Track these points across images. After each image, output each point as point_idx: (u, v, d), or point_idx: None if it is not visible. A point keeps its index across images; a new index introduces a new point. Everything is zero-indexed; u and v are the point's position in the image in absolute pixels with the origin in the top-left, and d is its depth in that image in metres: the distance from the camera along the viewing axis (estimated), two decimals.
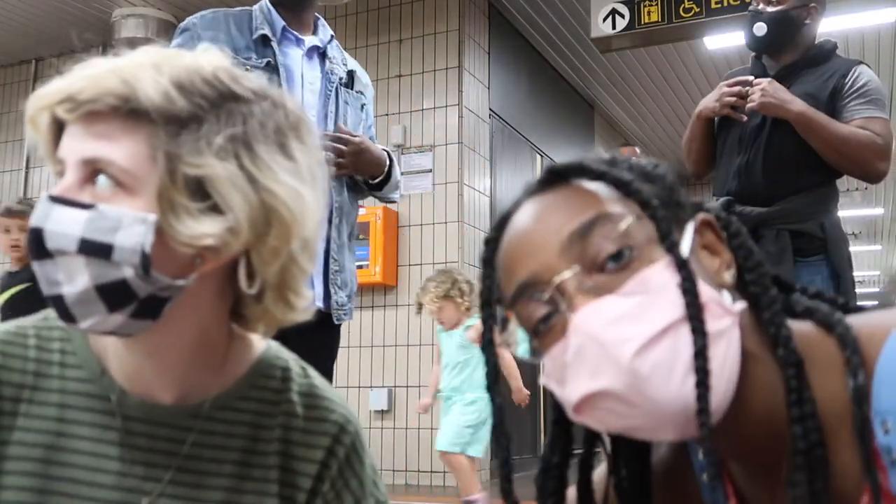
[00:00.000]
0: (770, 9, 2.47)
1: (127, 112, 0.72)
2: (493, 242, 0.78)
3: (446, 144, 5.52)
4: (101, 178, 0.72)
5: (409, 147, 5.61)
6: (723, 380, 0.67)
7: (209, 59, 0.79)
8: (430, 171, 5.53)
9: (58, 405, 0.80)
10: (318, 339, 2.07)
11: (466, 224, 5.48)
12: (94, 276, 0.71)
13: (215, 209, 0.73)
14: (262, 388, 0.87)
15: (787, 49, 2.51)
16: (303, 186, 0.78)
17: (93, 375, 0.82)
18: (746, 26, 2.52)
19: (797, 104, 2.35)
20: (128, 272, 0.71)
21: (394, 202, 2.48)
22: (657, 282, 0.68)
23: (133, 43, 5.74)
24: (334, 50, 2.19)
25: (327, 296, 2.09)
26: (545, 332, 0.72)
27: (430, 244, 5.46)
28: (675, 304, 0.67)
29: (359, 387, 5.42)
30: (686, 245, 0.71)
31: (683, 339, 0.66)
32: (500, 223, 0.78)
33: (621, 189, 0.73)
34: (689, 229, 0.73)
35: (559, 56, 7.15)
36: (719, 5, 5.06)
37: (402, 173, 5.48)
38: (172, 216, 0.72)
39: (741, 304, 0.71)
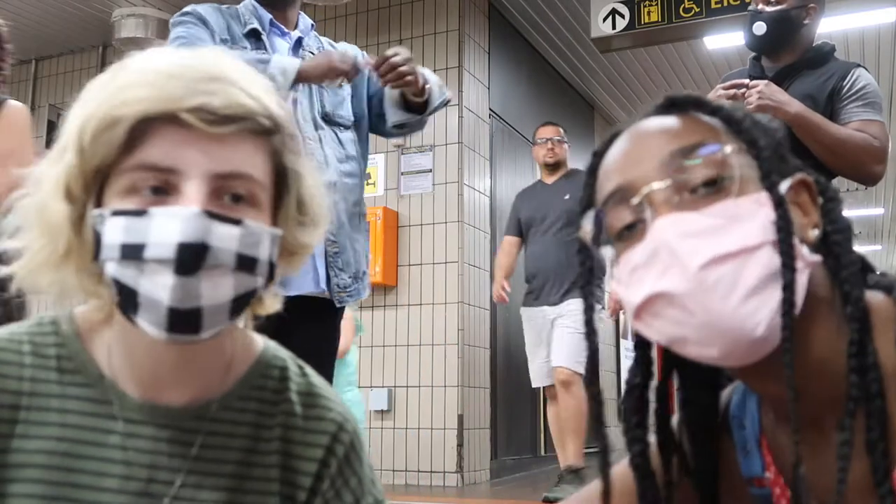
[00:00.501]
0: (769, 8, 2.48)
1: (254, 130, 0.75)
2: (599, 155, 0.82)
3: (446, 144, 5.52)
4: (235, 193, 0.74)
5: (409, 147, 5.61)
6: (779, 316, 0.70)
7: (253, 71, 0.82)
8: (430, 171, 5.53)
9: (58, 411, 0.79)
10: (319, 324, 2.06)
11: (466, 224, 5.48)
12: (237, 288, 0.74)
13: (313, 222, 0.82)
14: (262, 388, 0.87)
15: (786, 49, 2.51)
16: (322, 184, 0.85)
17: (92, 380, 0.81)
18: (746, 26, 2.53)
19: (794, 105, 2.35)
20: (260, 282, 0.77)
21: (447, 102, 2.29)
22: (743, 211, 0.71)
23: (133, 43, 5.76)
24: (311, 39, 2.23)
25: (329, 279, 2.06)
26: (627, 238, 0.76)
27: (430, 244, 5.46)
28: (751, 234, 0.70)
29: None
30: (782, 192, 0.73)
31: (751, 266, 0.70)
32: (611, 138, 0.82)
33: (733, 126, 0.76)
34: (787, 183, 0.75)
35: (559, 56, 7.15)
36: (719, 5, 5.06)
37: (402, 173, 5.53)
38: (287, 229, 0.80)
39: (816, 257, 0.74)
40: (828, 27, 5.54)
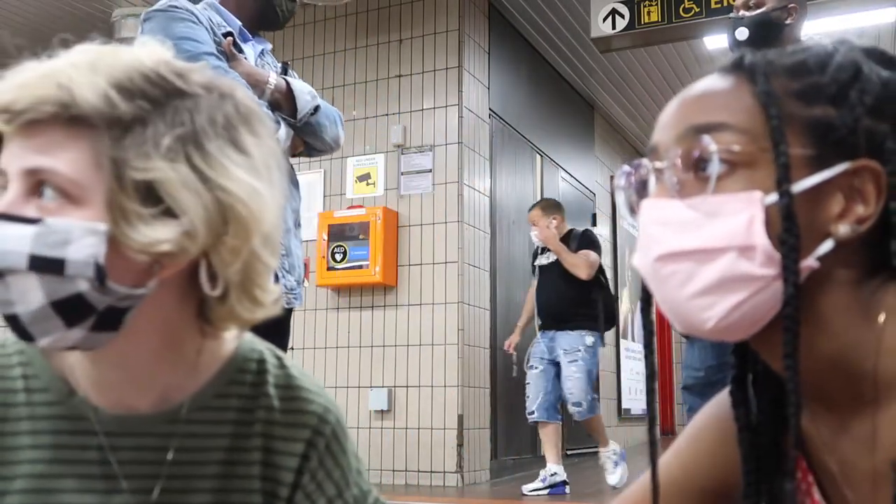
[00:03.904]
0: (749, 13, 2.52)
1: (67, 119, 0.70)
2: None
3: (446, 144, 5.52)
4: (47, 190, 0.70)
5: (409, 147, 5.61)
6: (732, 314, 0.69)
7: (150, 54, 0.76)
8: (430, 171, 5.53)
9: (29, 433, 0.78)
10: (268, 327, 2.07)
11: (466, 224, 5.48)
12: (49, 293, 0.69)
13: (168, 213, 0.71)
14: (240, 383, 0.85)
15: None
16: (258, 181, 0.75)
17: (61, 397, 0.79)
18: (728, 32, 2.56)
19: None
20: (83, 286, 0.69)
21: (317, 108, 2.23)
22: (726, 209, 0.69)
23: (133, 42, 5.74)
24: (268, 56, 2.28)
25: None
26: (639, 197, 0.77)
27: (429, 244, 5.45)
28: (719, 236, 0.69)
29: (359, 387, 5.42)
30: (812, 180, 0.69)
31: (709, 267, 0.69)
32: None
33: (770, 112, 0.70)
34: (841, 167, 0.69)
35: (559, 56, 7.15)
36: (719, 5, 5.06)
37: (401, 173, 5.53)
38: (125, 224, 0.70)
39: (809, 262, 0.69)
40: (828, 27, 5.54)
